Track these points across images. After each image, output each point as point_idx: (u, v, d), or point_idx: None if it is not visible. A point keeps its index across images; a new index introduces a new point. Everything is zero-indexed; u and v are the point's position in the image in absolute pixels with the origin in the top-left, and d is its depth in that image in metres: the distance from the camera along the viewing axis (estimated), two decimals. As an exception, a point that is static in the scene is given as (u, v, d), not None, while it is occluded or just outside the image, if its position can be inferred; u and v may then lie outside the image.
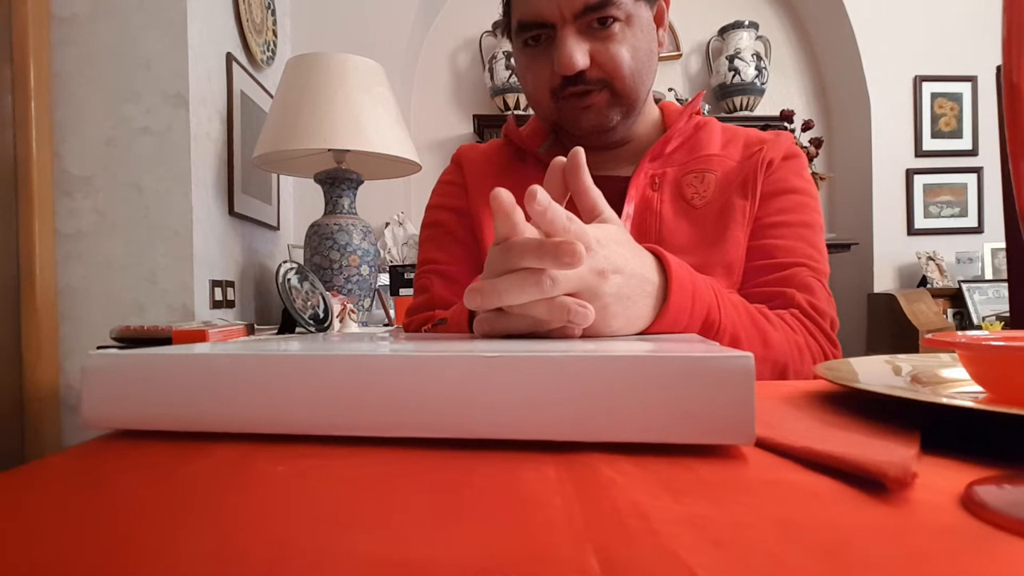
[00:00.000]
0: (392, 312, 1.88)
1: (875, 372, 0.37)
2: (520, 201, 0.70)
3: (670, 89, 2.75)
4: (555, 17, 0.64)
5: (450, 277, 0.75)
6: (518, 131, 0.78)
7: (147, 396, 0.27)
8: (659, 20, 0.71)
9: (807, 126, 2.63)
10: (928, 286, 2.56)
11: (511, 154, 0.79)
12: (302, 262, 1.69)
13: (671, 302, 0.46)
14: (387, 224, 2.36)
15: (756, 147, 0.72)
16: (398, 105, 1.72)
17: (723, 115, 2.69)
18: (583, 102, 0.67)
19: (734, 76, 2.64)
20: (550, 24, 0.64)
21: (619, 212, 0.70)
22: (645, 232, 0.70)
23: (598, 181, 0.72)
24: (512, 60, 2.57)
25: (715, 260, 0.67)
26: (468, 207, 0.76)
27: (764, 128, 0.83)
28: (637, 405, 0.24)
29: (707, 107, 2.80)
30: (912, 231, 2.72)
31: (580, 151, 0.46)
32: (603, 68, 0.65)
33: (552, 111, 0.69)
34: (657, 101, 0.80)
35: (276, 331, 1.49)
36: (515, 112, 2.63)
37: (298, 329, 1.39)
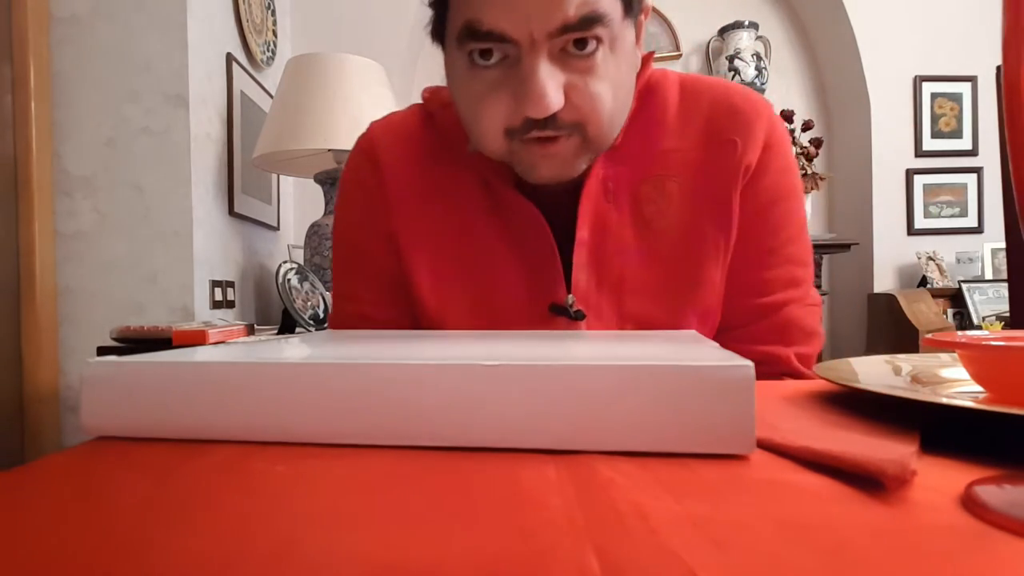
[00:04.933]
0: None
1: (875, 372, 0.37)
2: (449, 205, 0.60)
3: (670, 89, 2.75)
4: (522, 34, 0.47)
5: (378, 322, 0.63)
6: (445, 114, 0.61)
7: (146, 404, 0.27)
8: (638, 37, 0.55)
9: (807, 126, 2.63)
10: (928, 286, 2.55)
11: (433, 140, 0.62)
12: (302, 262, 1.69)
13: None
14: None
15: (726, 137, 0.58)
16: (398, 105, 1.72)
17: (723, 115, 2.68)
18: (547, 149, 0.51)
19: (734, 76, 2.64)
20: (512, 41, 0.47)
21: (569, 230, 0.56)
22: (606, 267, 0.57)
23: (540, 196, 0.56)
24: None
25: (688, 310, 0.57)
26: (391, 228, 0.61)
27: None
28: (637, 414, 0.24)
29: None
30: (912, 231, 2.72)
31: None
32: (578, 110, 0.50)
33: (504, 152, 0.53)
34: None
35: (276, 331, 1.49)
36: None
37: (298, 329, 1.39)
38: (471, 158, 0.59)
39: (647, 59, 0.59)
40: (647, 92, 0.59)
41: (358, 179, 0.64)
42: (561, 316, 0.56)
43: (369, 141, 0.64)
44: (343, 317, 0.66)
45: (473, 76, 0.51)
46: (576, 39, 0.48)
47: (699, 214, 0.58)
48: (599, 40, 0.49)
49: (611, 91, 0.51)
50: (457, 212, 0.60)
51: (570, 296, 0.56)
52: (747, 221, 0.58)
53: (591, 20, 0.47)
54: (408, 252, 0.60)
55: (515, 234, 0.58)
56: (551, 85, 0.47)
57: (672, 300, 0.57)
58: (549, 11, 0.46)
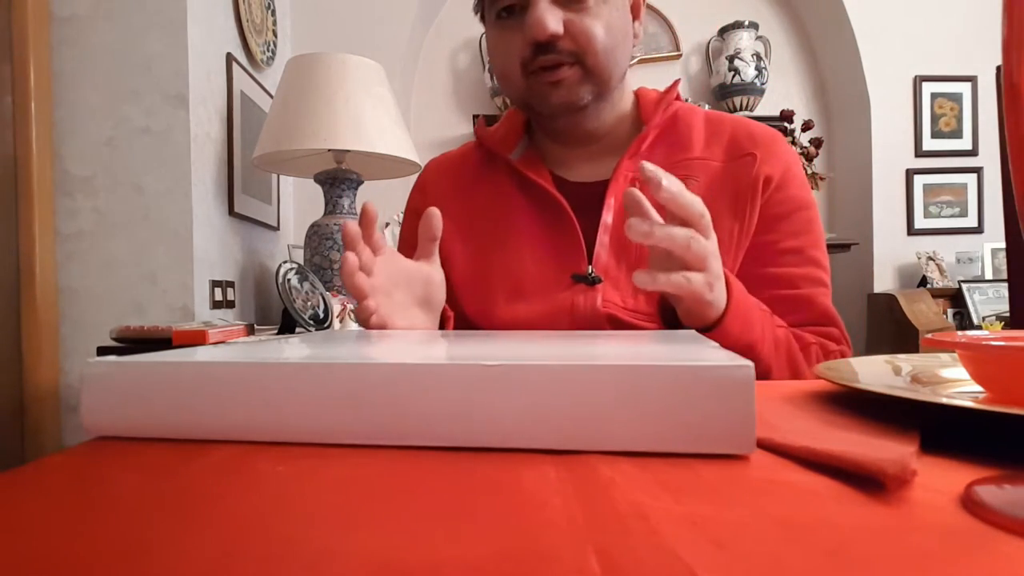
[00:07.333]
0: (392, 312, 1.88)
1: (875, 372, 0.37)
2: (489, 201, 0.73)
3: (670, 89, 2.75)
4: None
5: None
6: (489, 133, 0.75)
7: (146, 404, 0.27)
8: (635, 11, 0.69)
9: (807, 126, 2.63)
10: (928, 286, 2.55)
11: (482, 159, 0.77)
12: (302, 262, 1.69)
13: (726, 325, 0.52)
14: (387, 224, 2.36)
15: (745, 152, 0.68)
16: (398, 105, 1.72)
17: (723, 115, 2.68)
18: (553, 75, 0.64)
19: (734, 76, 2.64)
20: None
21: (597, 220, 0.68)
22: (627, 246, 0.67)
23: (573, 189, 0.70)
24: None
25: None
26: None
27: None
28: (637, 414, 0.24)
29: (706, 106, 2.79)
30: (912, 231, 2.72)
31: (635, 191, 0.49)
32: (576, 40, 0.62)
33: (522, 88, 0.66)
34: None
35: (276, 331, 1.49)
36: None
37: (298, 329, 1.39)
38: (513, 165, 0.73)
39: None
40: (675, 118, 0.72)
41: (411, 205, 0.81)
42: (580, 283, 0.66)
43: (423, 173, 0.82)
44: None
45: (500, 29, 0.66)
46: None
47: (717, 208, 0.66)
48: None
49: (604, 29, 0.63)
50: (496, 206, 0.73)
51: (590, 267, 0.67)
52: (773, 224, 0.67)
53: None
54: (447, 241, 0.71)
55: (547, 221, 0.70)
56: (549, 16, 0.61)
57: None
58: None
